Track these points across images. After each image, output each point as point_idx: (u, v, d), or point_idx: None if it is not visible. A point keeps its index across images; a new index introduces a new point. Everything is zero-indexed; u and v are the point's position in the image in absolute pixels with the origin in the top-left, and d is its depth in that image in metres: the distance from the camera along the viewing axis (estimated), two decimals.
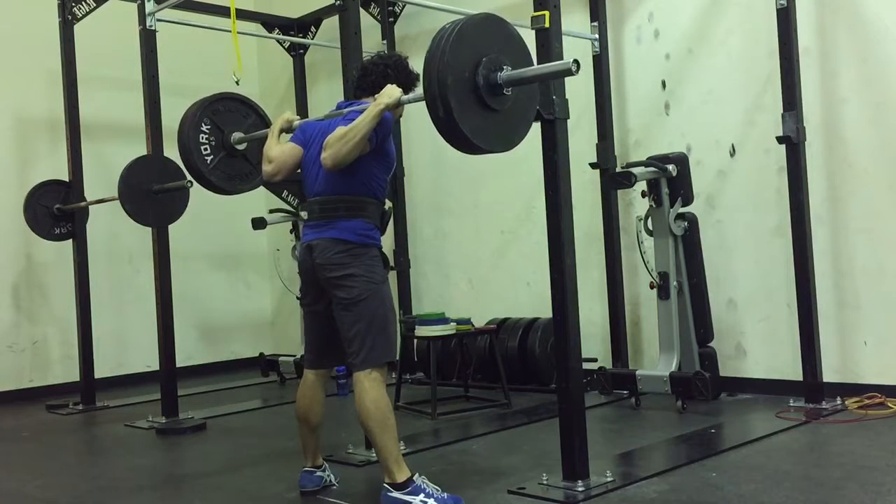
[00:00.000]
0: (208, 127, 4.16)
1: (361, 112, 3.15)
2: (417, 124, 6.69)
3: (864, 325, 4.63)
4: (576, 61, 2.83)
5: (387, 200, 3.47)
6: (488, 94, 2.89)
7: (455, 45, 2.81)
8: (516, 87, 2.97)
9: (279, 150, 3.45)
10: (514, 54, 3.00)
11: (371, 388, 3.16)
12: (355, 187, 3.24)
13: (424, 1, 5.28)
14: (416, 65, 7.24)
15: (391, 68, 3.35)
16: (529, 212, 6.00)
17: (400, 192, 6.61)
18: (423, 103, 2.91)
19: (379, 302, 3.22)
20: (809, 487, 3.23)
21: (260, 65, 8.10)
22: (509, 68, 2.93)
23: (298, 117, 3.66)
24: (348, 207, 3.24)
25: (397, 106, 3.17)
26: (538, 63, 3.31)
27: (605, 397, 5.11)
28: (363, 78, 3.40)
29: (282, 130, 3.59)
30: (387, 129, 3.21)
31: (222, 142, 4.18)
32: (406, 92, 3.26)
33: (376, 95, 3.18)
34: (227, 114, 4.24)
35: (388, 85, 3.20)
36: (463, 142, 2.88)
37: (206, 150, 4.15)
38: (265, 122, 4.28)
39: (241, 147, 4.23)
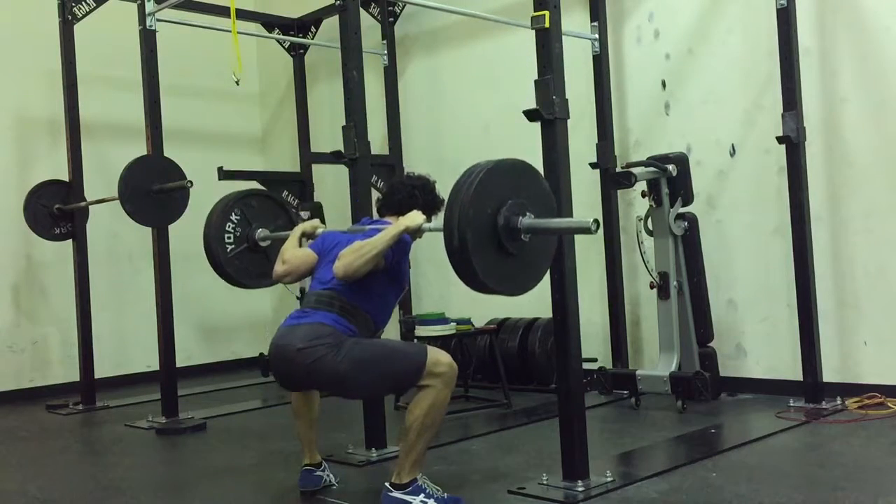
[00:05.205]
0: (238, 217, 4.23)
1: (382, 230, 3.18)
2: (418, 124, 6.70)
3: (864, 325, 4.63)
4: (595, 221, 2.85)
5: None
6: (506, 235, 2.90)
7: (485, 181, 2.84)
8: (533, 236, 2.98)
9: (294, 254, 3.49)
10: (538, 204, 3.00)
11: (444, 387, 3.07)
12: (360, 300, 3.21)
13: (424, 1, 5.28)
14: (419, 64, 7.22)
15: (418, 189, 3.41)
16: None
17: None
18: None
19: (350, 347, 3.07)
20: (809, 487, 3.23)
21: (260, 65, 8.10)
22: (532, 216, 2.94)
23: (324, 227, 3.72)
24: (342, 307, 3.18)
25: (418, 232, 3.19)
26: (539, 63, 3.35)
27: (605, 397, 5.11)
28: (389, 196, 3.46)
29: (304, 234, 3.64)
30: (404, 249, 3.24)
31: (247, 235, 4.25)
32: (429, 215, 3.33)
33: (401, 217, 3.22)
34: (259, 210, 4.32)
35: (414, 210, 3.24)
36: (472, 277, 2.87)
37: (229, 238, 4.22)
38: (294, 227, 4.31)
39: (263, 244, 4.28)
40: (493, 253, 2.89)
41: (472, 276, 2.85)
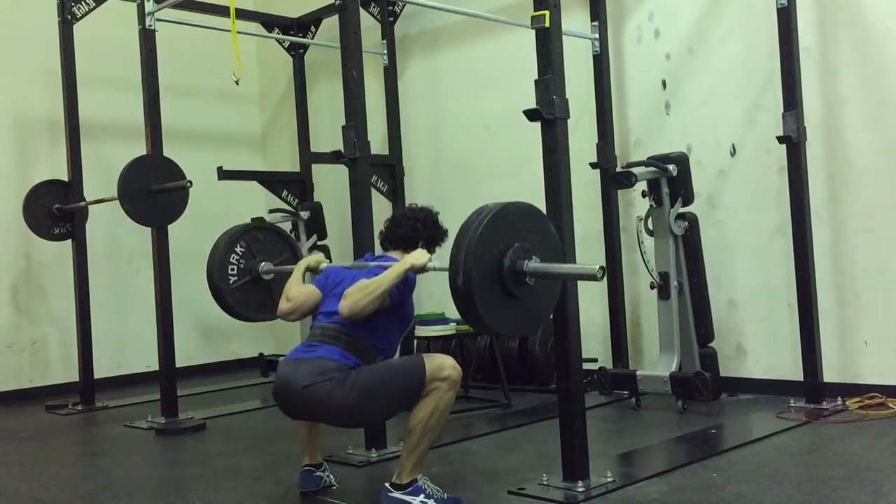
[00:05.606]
0: (242, 250, 4.26)
1: (386, 268, 3.18)
2: (418, 124, 6.69)
3: (865, 325, 4.63)
4: (602, 268, 2.85)
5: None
6: (511, 278, 2.91)
7: (492, 223, 2.86)
8: (538, 280, 2.98)
9: (298, 291, 3.48)
10: (546, 250, 3.01)
11: (449, 390, 3.08)
12: (365, 334, 3.20)
13: (424, 1, 5.27)
14: (419, 64, 7.20)
15: (420, 222, 3.42)
16: None
17: (400, 193, 6.61)
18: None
19: (354, 378, 3.06)
20: (809, 487, 3.22)
21: (260, 64, 8.10)
22: (537, 260, 2.95)
23: (328, 262, 3.70)
24: (347, 341, 3.16)
25: (423, 271, 3.18)
26: (539, 63, 3.35)
27: (606, 397, 5.10)
28: (392, 230, 3.46)
29: (308, 269, 3.63)
30: (409, 287, 3.24)
31: (250, 268, 4.28)
32: (433, 247, 3.37)
33: (406, 255, 3.22)
34: (265, 243, 4.35)
35: (419, 249, 3.27)
36: (475, 317, 2.88)
37: (232, 270, 4.24)
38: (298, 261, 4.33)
39: (267, 277, 4.30)
40: (498, 295, 2.91)
41: (476, 316, 2.87)
